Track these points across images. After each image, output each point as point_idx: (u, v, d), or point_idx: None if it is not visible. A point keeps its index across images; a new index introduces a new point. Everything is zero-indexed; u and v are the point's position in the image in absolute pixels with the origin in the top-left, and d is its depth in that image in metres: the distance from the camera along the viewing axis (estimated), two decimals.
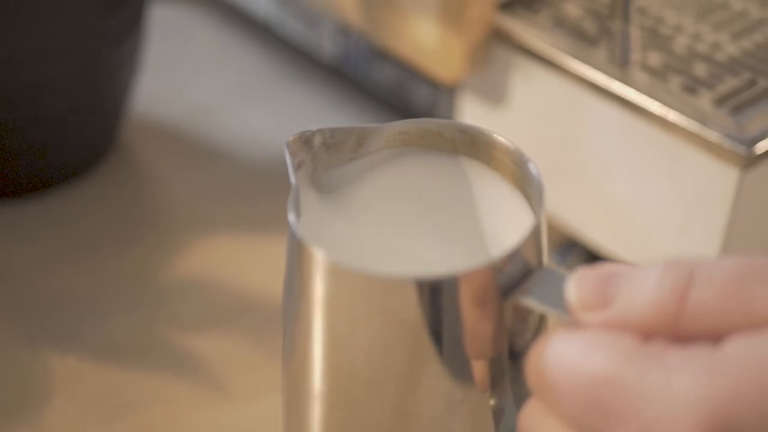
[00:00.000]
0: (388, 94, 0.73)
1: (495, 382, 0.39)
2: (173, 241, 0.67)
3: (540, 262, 0.38)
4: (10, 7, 0.61)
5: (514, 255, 0.37)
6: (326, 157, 0.42)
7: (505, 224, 0.41)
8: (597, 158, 0.60)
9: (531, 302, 0.36)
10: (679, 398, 0.30)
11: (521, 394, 0.39)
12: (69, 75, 0.66)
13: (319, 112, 0.77)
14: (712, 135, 0.54)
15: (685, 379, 0.30)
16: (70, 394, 0.56)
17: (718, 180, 0.54)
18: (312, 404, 0.41)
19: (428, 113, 0.70)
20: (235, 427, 0.55)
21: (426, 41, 0.63)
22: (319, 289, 0.38)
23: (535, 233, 0.37)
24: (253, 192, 0.70)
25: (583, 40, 0.60)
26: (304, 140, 0.41)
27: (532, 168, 0.39)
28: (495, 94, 0.64)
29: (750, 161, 0.53)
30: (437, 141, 0.43)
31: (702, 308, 0.31)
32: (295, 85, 0.80)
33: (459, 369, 0.38)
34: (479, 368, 0.38)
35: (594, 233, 0.61)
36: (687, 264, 0.32)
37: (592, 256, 0.64)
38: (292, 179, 0.40)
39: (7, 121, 0.65)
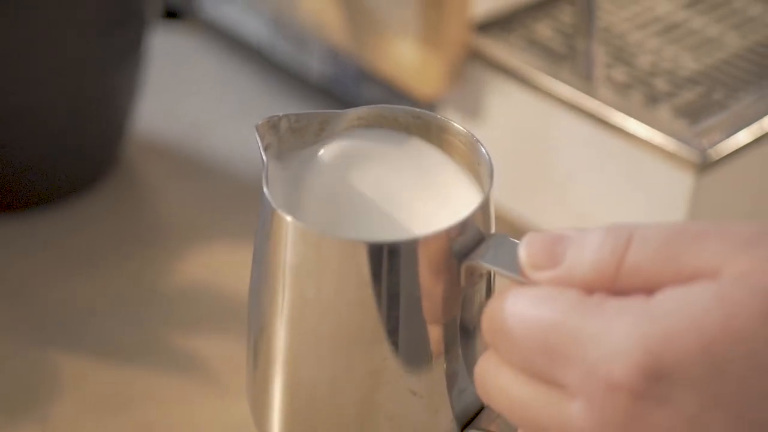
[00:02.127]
0: None
1: (449, 347, 0.41)
2: (172, 250, 0.68)
3: (489, 230, 0.40)
4: (18, 29, 0.63)
5: (467, 223, 0.38)
6: (292, 139, 0.43)
7: (457, 199, 0.43)
8: (565, 167, 0.63)
9: (485, 264, 0.38)
10: (617, 340, 0.32)
11: (472, 359, 0.41)
12: (72, 94, 0.67)
13: None
14: (669, 144, 0.57)
15: (622, 323, 0.32)
16: (76, 392, 0.58)
17: (676, 185, 0.57)
18: (277, 365, 0.42)
19: None
20: (230, 419, 0.57)
21: (407, 61, 0.66)
22: (288, 252, 0.39)
23: (485, 205, 0.39)
24: (246, 204, 0.70)
25: (552, 58, 0.63)
26: (272, 124, 0.43)
27: (482, 148, 0.42)
28: (472, 110, 0.66)
29: (704, 167, 0.57)
30: (393, 125, 0.44)
31: (638, 266, 0.34)
32: (286, 105, 0.80)
33: (417, 330, 0.40)
34: (435, 331, 0.40)
35: None
36: (626, 228, 0.34)
37: None
38: (263, 158, 0.42)
39: (13, 138, 0.66)
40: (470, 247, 0.39)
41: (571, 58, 0.63)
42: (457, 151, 0.43)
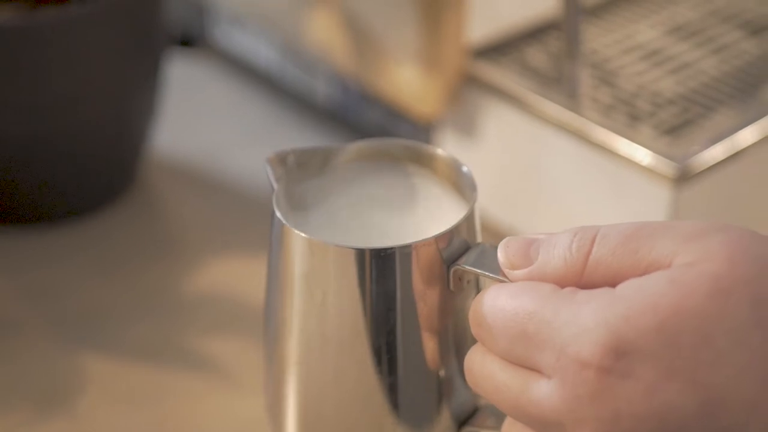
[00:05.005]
0: (376, 133, 0.76)
1: (443, 350, 0.45)
2: (186, 260, 0.70)
3: (475, 241, 0.44)
4: (45, 57, 0.64)
5: (453, 232, 0.43)
6: (297, 171, 0.47)
7: (444, 212, 0.47)
8: (553, 181, 0.65)
9: (469, 268, 0.42)
10: (584, 323, 0.36)
11: (462, 354, 0.43)
12: (94, 117, 0.69)
13: None
14: (648, 159, 0.60)
15: (588, 309, 0.36)
16: (101, 388, 0.60)
17: (655, 197, 0.60)
18: (289, 365, 0.46)
19: None
20: (243, 414, 0.58)
21: (408, 84, 0.68)
22: (297, 263, 0.43)
23: (469, 218, 0.44)
24: (254, 220, 0.72)
25: (542, 81, 0.65)
26: (281, 159, 0.47)
27: (465, 169, 0.46)
28: (467, 129, 0.68)
29: (681, 181, 0.59)
30: (388, 156, 0.49)
31: (601, 260, 0.37)
32: (294, 127, 0.81)
33: (413, 330, 0.44)
34: (430, 332, 0.44)
35: None
36: (592, 228, 0.38)
37: None
38: (273, 185, 0.46)
39: (42, 157, 0.68)
40: (457, 253, 0.43)
41: (559, 81, 0.65)
42: (444, 174, 0.47)
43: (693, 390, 0.35)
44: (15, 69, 0.65)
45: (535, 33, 0.70)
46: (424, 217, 0.47)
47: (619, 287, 0.37)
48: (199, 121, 0.83)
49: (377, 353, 0.44)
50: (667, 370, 0.35)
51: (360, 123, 0.78)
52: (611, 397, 0.35)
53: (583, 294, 0.37)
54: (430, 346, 0.44)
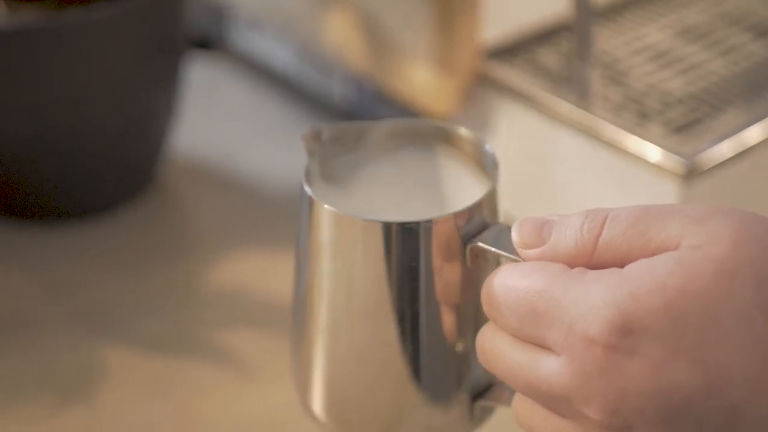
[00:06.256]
0: None
1: (461, 325, 0.46)
2: (205, 256, 0.70)
3: (495, 220, 0.45)
4: (64, 55, 0.66)
5: (473, 210, 0.44)
6: (332, 147, 0.49)
7: (467, 191, 0.48)
8: (564, 178, 0.66)
9: (485, 246, 0.43)
10: (592, 301, 0.36)
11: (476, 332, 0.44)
12: (113, 116, 0.69)
13: None
14: (657, 155, 0.61)
15: (597, 288, 0.37)
16: (121, 380, 0.61)
17: (664, 194, 0.61)
18: (317, 335, 0.47)
19: None
20: (258, 404, 0.59)
21: (422, 83, 0.69)
22: (326, 234, 0.44)
23: (490, 196, 0.45)
24: (271, 218, 0.74)
25: (554, 81, 0.66)
26: (316, 134, 0.48)
27: (487, 147, 0.47)
28: (480, 127, 0.69)
29: (690, 177, 0.60)
30: (417, 135, 0.50)
31: (611, 241, 0.38)
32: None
33: (432, 302, 0.45)
34: (448, 306, 0.45)
35: None
36: (602, 211, 0.39)
37: None
38: (307, 160, 0.47)
39: (63, 155, 0.69)
40: (475, 231, 0.44)
41: (570, 81, 0.66)
42: (468, 154, 0.48)
43: (698, 368, 0.36)
44: (37, 69, 0.66)
45: (547, 34, 0.71)
46: (447, 195, 0.48)
47: (628, 267, 0.37)
48: (217, 123, 0.84)
49: (399, 323, 0.45)
50: (674, 348, 0.36)
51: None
52: (618, 373, 0.36)
53: (593, 274, 0.38)
54: (448, 320, 0.45)
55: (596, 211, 0.39)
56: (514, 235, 0.41)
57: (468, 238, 0.44)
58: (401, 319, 0.45)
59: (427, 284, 0.44)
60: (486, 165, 0.48)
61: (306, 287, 0.47)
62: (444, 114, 0.70)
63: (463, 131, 0.49)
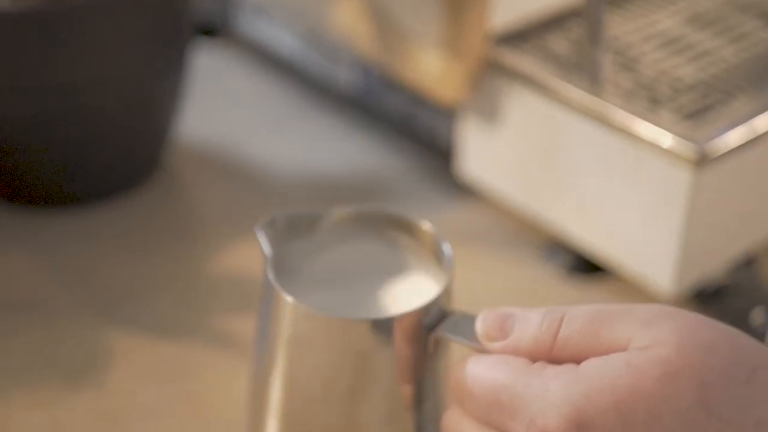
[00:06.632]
0: (398, 120, 0.78)
1: (418, 402, 0.49)
2: (210, 241, 0.71)
3: (450, 307, 0.48)
4: (70, 39, 0.66)
5: (435, 303, 0.47)
6: (286, 234, 0.51)
7: (422, 284, 0.51)
8: (576, 166, 0.66)
9: (450, 336, 0.47)
10: (551, 398, 0.41)
11: (435, 412, 0.50)
12: (120, 101, 0.70)
13: (336, 137, 0.81)
14: (669, 141, 0.61)
15: (555, 385, 0.41)
16: (129, 363, 0.62)
17: (676, 180, 0.61)
18: (275, 419, 0.49)
19: (433, 135, 0.76)
20: None
21: (431, 70, 0.69)
22: (289, 327, 0.47)
23: (447, 290, 0.48)
24: (276, 203, 0.75)
25: (564, 67, 0.67)
26: (270, 223, 0.50)
27: (444, 246, 0.50)
28: (490, 114, 0.70)
29: (702, 163, 0.60)
30: (371, 224, 0.52)
31: (568, 339, 0.43)
32: (316, 114, 0.83)
33: (393, 388, 0.48)
34: (407, 388, 0.48)
35: (575, 231, 0.68)
36: (560, 310, 0.43)
37: (576, 257, 0.70)
38: (266, 250, 0.49)
39: (69, 139, 0.70)
40: (436, 321, 0.47)
41: (581, 67, 0.66)
42: (422, 243, 0.51)
43: None
44: (43, 53, 0.66)
45: (557, 20, 0.71)
46: (404, 287, 0.52)
47: (583, 365, 0.41)
48: (223, 109, 0.85)
49: (358, 411, 0.48)
50: None
51: (382, 110, 0.79)
52: None
53: (551, 370, 0.42)
54: (407, 400, 0.48)
55: (553, 310, 0.44)
56: (479, 327, 0.45)
57: (430, 328, 0.47)
58: (360, 407, 0.48)
59: (390, 372, 0.47)
60: (439, 255, 0.50)
61: (266, 375, 0.49)
62: (452, 100, 0.70)
63: (417, 222, 0.51)
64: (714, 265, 0.66)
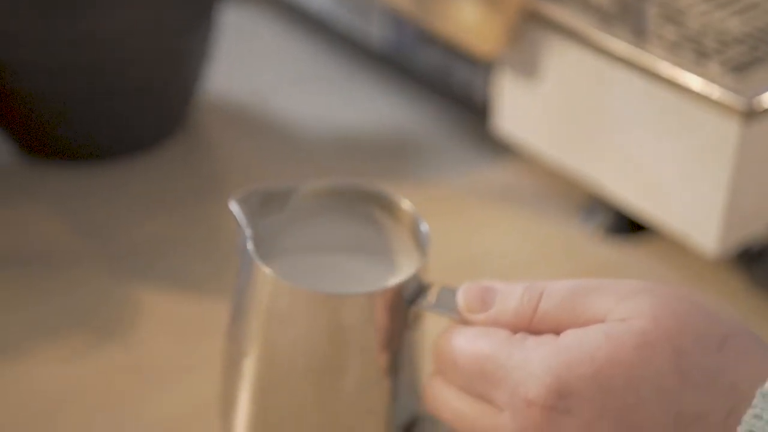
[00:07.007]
0: (431, 76, 0.77)
1: (395, 372, 0.50)
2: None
3: (428, 283, 0.49)
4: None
5: (414, 277, 0.48)
6: (261, 209, 0.51)
7: (401, 259, 0.52)
8: (618, 121, 0.64)
9: (431, 309, 0.48)
10: (533, 368, 0.43)
11: (411, 380, 0.51)
12: (148, 55, 0.70)
13: (367, 95, 0.80)
14: (716, 94, 0.59)
15: (537, 355, 0.43)
16: (154, 321, 0.61)
17: (723, 133, 0.59)
18: (251, 393, 0.50)
19: (468, 91, 0.74)
20: None
21: (467, 22, 0.68)
22: (268, 300, 0.47)
23: (425, 263, 0.49)
24: (303, 162, 0.74)
25: (605, 18, 0.65)
26: (245, 198, 0.50)
27: (421, 223, 0.50)
28: (528, 67, 0.68)
29: (750, 115, 0.59)
30: (346, 198, 0.53)
31: (547, 313, 0.45)
32: (346, 71, 0.82)
33: (372, 359, 0.49)
34: (385, 360, 0.49)
35: (616, 189, 0.66)
36: (540, 284, 0.45)
37: (616, 216, 0.69)
38: (243, 226, 0.49)
39: (95, 91, 0.69)
40: (414, 294, 0.49)
41: (623, 19, 0.65)
42: (399, 218, 0.52)
43: (619, 427, 0.42)
44: (72, 3, 0.66)
45: None
46: (380, 261, 0.53)
47: (563, 336, 0.44)
48: (251, 67, 0.84)
49: (339, 385, 0.49)
50: (600, 410, 0.42)
51: (415, 65, 0.78)
52: (554, 429, 0.42)
53: (532, 341, 0.44)
54: (386, 371, 0.49)
55: (534, 284, 0.46)
56: (461, 300, 0.47)
57: (410, 302, 0.48)
58: (337, 379, 0.49)
59: (369, 345, 0.48)
60: (416, 230, 0.51)
61: (243, 348, 0.49)
62: (490, 53, 0.68)
63: (391, 196, 0.52)
64: (760, 224, 0.64)
